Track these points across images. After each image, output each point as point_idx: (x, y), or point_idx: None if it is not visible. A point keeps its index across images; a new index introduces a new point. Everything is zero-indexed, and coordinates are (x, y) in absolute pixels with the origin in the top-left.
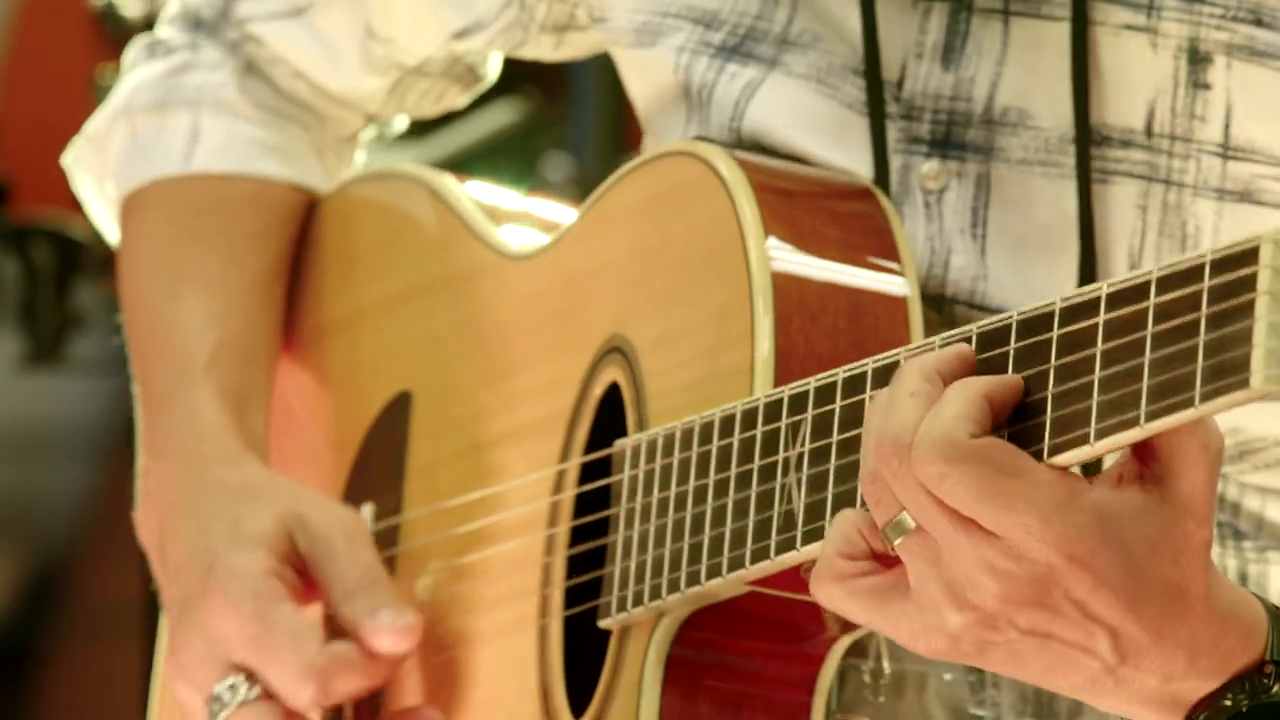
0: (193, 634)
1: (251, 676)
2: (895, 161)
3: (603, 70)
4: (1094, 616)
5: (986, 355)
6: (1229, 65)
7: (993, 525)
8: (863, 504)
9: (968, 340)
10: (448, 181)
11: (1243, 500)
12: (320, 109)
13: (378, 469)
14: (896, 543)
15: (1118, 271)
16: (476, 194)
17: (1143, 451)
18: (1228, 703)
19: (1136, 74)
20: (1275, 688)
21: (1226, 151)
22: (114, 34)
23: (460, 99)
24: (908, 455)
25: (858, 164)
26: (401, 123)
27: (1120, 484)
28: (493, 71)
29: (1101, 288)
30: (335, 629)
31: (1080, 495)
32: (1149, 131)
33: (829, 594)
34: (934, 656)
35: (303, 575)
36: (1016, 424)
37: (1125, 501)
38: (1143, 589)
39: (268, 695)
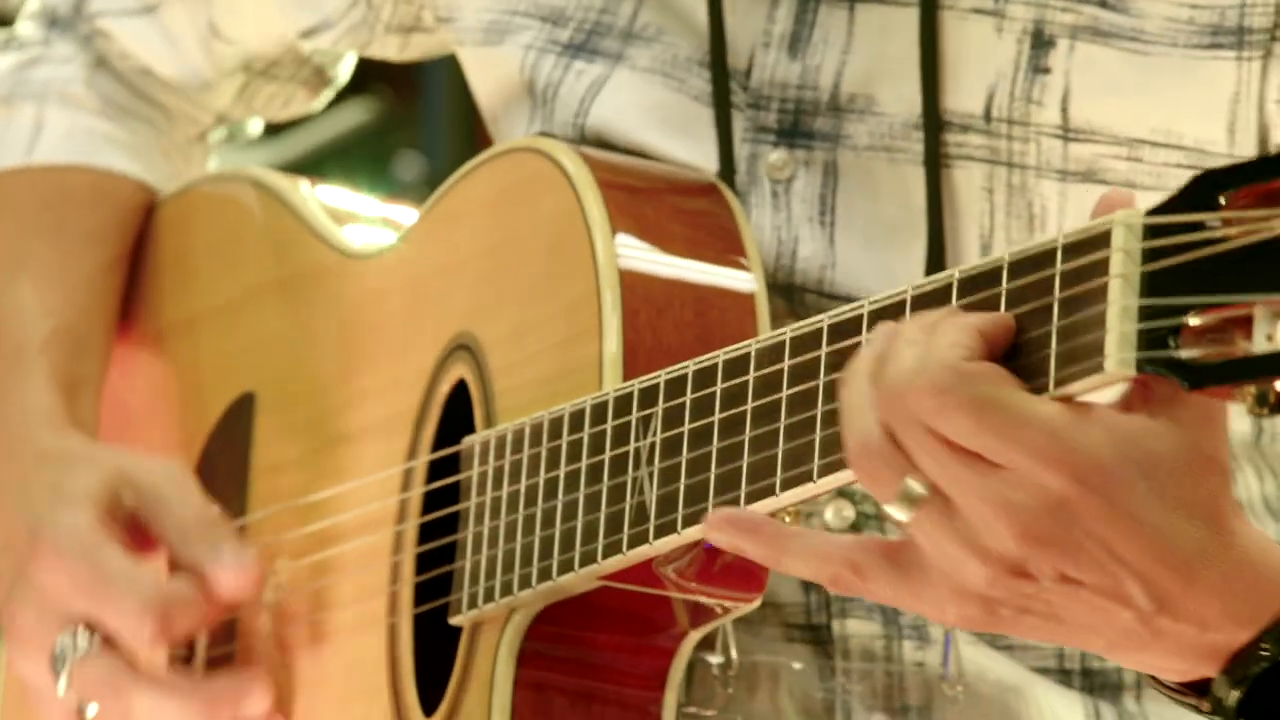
0: (27, 599)
1: (90, 626)
2: (743, 151)
3: (454, 69)
4: (1119, 557)
5: (835, 346)
6: (1072, 47)
7: (997, 454)
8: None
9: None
10: (290, 183)
11: None
12: (170, 106)
13: (222, 471)
14: (907, 518)
15: (968, 255)
16: (319, 195)
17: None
18: (1265, 652)
19: (979, 59)
20: None
21: (1066, 133)
22: None
23: (308, 104)
24: (907, 395)
25: (705, 156)
26: (255, 126)
27: (1128, 409)
28: (342, 75)
29: (954, 274)
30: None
31: (1087, 415)
32: (988, 116)
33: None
34: (967, 626)
35: (133, 531)
36: None
37: (1135, 422)
38: (1169, 524)
39: (109, 644)
